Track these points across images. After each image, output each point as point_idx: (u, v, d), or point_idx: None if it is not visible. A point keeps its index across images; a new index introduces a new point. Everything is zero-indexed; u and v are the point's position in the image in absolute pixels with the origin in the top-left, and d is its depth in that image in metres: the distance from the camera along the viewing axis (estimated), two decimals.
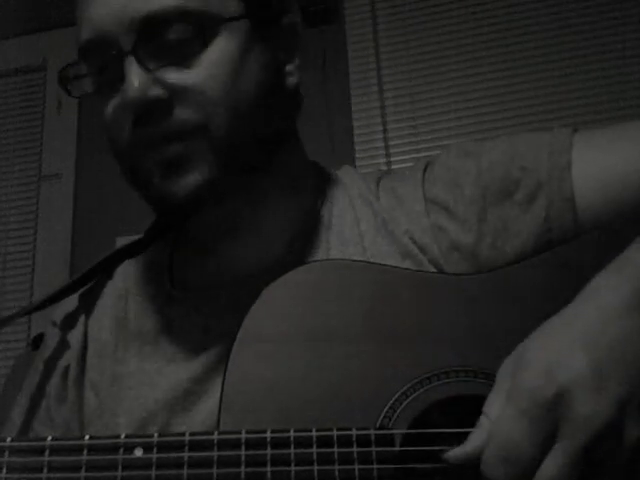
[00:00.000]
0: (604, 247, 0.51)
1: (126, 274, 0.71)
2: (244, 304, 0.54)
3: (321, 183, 0.68)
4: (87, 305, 0.70)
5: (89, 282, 0.72)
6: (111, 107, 0.58)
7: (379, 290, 0.53)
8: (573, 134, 0.61)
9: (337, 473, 0.45)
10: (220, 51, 0.57)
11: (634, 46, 1.81)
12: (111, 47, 0.56)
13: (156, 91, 0.55)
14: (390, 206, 0.64)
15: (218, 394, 0.53)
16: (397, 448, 0.47)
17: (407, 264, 0.59)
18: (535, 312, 0.48)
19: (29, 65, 2.18)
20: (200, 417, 0.58)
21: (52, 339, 0.69)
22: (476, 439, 0.45)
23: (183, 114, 0.56)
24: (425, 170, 0.66)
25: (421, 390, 0.50)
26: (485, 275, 0.55)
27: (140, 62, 0.55)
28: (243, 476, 0.45)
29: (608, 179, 0.57)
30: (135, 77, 0.55)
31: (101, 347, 0.66)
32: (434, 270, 0.59)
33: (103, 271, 0.72)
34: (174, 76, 0.56)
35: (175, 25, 0.56)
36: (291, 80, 0.63)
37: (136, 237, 0.75)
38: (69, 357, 0.67)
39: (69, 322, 0.69)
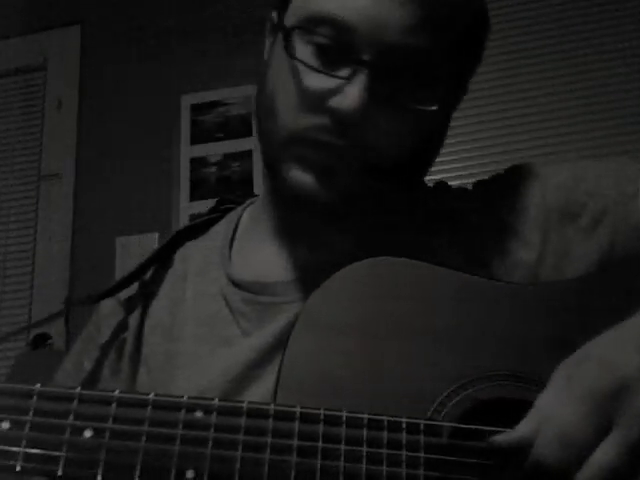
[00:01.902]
0: None
1: (186, 256, 0.72)
2: (305, 294, 0.56)
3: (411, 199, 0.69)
4: (148, 290, 0.71)
5: (148, 270, 0.72)
6: (317, 95, 0.57)
7: (437, 291, 0.55)
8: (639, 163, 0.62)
9: (385, 456, 0.47)
10: (432, 119, 0.59)
11: (634, 46, 1.81)
12: (348, 43, 0.55)
13: (369, 117, 0.55)
14: (455, 221, 0.65)
15: (270, 381, 0.54)
16: (445, 440, 0.48)
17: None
18: (584, 325, 0.49)
19: (29, 65, 2.18)
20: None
21: (114, 317, 0.70)
22: (525, 426, 0.46)
23: (373, 145, 0.57)
24: (488, 188, 0.67)
25: (469, 390, 0.51)
26: (539, 286, 0.57)
27: (370, 79, 0.54)
28: (295, 447, 0.47)
29: None
30: (359, 94, 0.54)
31: (157, 325, 0.67)
32: None
33: (163, 257, 0.73)
34: (387, 110, 0.56)
35: (419, 72, 0.56)
36: (445, 127, 0.67)
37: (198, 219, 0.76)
38: (127, 334, 0.68)
39: (130, 306, 0.70)
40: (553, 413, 0.45)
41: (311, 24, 0.57)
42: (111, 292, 0.70)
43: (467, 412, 0.50)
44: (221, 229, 0.73)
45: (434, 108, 0.57)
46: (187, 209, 1.92)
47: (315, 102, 0.57)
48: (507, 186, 0.65)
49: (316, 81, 0.57)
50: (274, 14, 0.64)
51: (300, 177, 0.58)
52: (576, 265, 0.59)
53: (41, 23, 2.18)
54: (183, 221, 1.90)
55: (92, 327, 0.72)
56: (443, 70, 0.58)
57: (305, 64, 0.57)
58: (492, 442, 0.47)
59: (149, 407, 0.48)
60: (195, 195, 1.94)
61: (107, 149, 2.06)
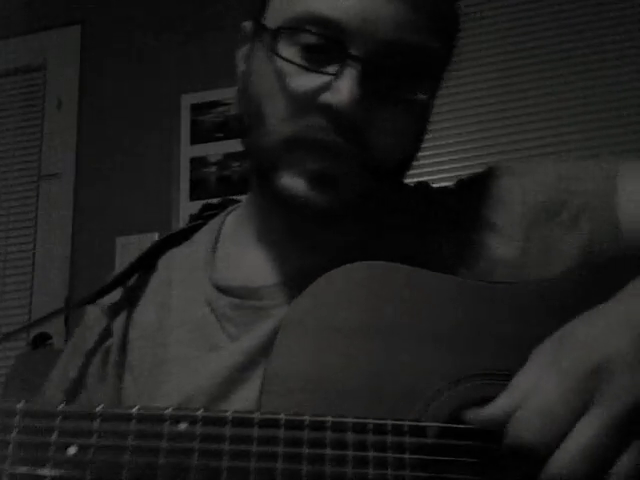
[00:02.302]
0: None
1: (169, 262, 0.72)
2: (292, 298, 0.56)
3: (398, 201, 0.70)
4: (132, 296, 0.71)
5: (132, 276, 0.73)
6: (306, 94, 0.56)
7: (423, 292, 0.55)
8: (619, 162, 0.63)
9: (371, 459, 0.47)
10: (423, 113, 0.61)
11: (635, 45, 1.81)
12: (337, 39, 0.55)
13: (362, 112, 0.54)
14: (437, 219, 0.65)
15: (257, 384, 0.54)
16: (430, 440, 0.48)
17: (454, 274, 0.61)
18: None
19: (29, 65, 2.19)
20: (238, 405, 0.58)
21: (97, 325, 0.70)
22: (500, 404, 0.46)
23: (371, 143, 0.56)
24: (469, 186, 0.67)
25: (455, 390, 0.51)
26: (527, 285, 0.57)
27: (361, 74, 0.54)
28: (281, 454, 0.47)
29: None
30: (351, 91, 0.53)
31: (143, 331, 0.67)
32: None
33: (146, 264, 0.73)
34: (384, 108, 0.56)
35: (421, 70, 0.57)
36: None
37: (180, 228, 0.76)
38: (111, 341, 0.68)
39: (114, 312, 0.70)
40: (535, 388, 0.45)
41: (297, 24, 0.56)
42: (93, 299, 0.70)
43: (457, 411, 0.50)
44: (204, 235, 0.72)
45: (427, 100, 0.59)
46: (187, 209, 1.92)
47: (305, 102, 0.56)
48: (488, 184, 0.66)
49: (304, 80, 0.56)
50: (248, 23, 0.64)
51: (295, 184, 0.57)
52: (558, 261, 0.60)
53: (41, 23, 2.18)
54: (183, 221, 1.90)
55: (77, 336, 0.72)
56: (435, 63, 0.59)
57: (292, 62, 0.56)
58: (466, 419, 0.47)
59: (133, 420, 0.47)
60: (195, 195, 1.94)
61: (107, 149, 2.06)
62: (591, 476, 0.42)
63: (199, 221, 0.76)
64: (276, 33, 0.57)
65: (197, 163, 1.97)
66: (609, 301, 0.48)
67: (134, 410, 0.48)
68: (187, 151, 1.99)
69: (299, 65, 0.56)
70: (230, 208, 0.75)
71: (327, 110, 0.55)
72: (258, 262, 0.66)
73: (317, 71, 0.55)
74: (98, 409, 0.48)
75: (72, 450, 0.46)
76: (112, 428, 0.47)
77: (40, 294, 1.97)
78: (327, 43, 0.55)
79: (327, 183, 0.57)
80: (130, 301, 0.70)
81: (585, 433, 0.42)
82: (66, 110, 2.11)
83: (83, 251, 1.98)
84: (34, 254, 2.02)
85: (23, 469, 0.46)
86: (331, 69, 0.55)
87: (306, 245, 0.64)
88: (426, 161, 1.84)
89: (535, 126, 1.82)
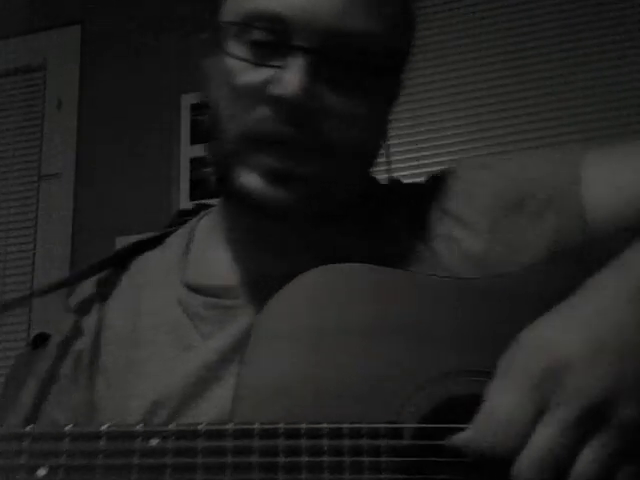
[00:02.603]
0: (609, 252, 0.51)
1: (142, 265, 0.72)
2: (261, 300, 0.55)
3: (368, 199, 0.70)
4: (103, 293, 0.71)
5: (103, 271, 0.73)
6: (253, 88, 0.57)
7: (392, 292, 0.55)
8: (584, 151, 0.63)
9: (347, 464, 0.47)
10: (378, 104, 0.61)
11: (635, 45, 1.81)
12: (283, 33, 0.56)
13: (311, 101, 0.55)
14: (406, 214, 0.66)
15: (231, 382, 0.54)
16: (405, 442, 0.48)
17: (423, 269, 0.60)
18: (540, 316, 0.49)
19: (29, 65, 2.18)
20: (212, 403, 0.58)
21: (66, 323, 0.70)
22: (473, 426, 0.46)
23: (325, 134, 0.57)
24: (438, 181, 0.67)
25: (431, 389, 0.51)
26: (495, 279, 0.56)
27: (308, 64, 0.55)
28: (256, 465, 0.46)
29: (617, 195, 0.59)
30: (298, 79, 0.54)
31: (116, 333, 0.67)
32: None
33: (119, 262, 0.73)
34: (335, 96, 0.56)
35: (368, 58, 0.57)
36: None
37: (149, 234, 0.76)
38: (83, 342, 0.68)
39: (84, 308, 0.70)
40: (492, 403, 0.45)
41: (245, 22, 0.57)
42: (58, 286, 0.70)
43: (431, 411, 0.50)
44: (177, 239, 0.73)
45: (384, 88, 0.59)
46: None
47: (254, 96, 0.57)
48: (457, 179, 0.66)
49: (252, 76, 0.57)
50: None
51: (251, 181, 0.57)
52: (524, 253, 0.60)
53: (41, 23, 2.18)
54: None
55: (53, 340, 0.71)
56: (383, 50, 0.58)
57: (239, 58, 0.57)
58: (447, 444, 0.46)
59: (103, 439, 0.47)
60: (195, 195, 1.94)
61: (107, 149, 2.06)
62: (553, 478, 0.42)
63: (173, 227, 0.76)
64: (225, 32, 0.59)
65: (197, 163, 1.97)
66: (567, 299, 0.48)
67: (103, 428, 0.47)
68: (187, 151, 1.99)
69: (246, 60, 0.57)
70: (203, 213, 0.75)
71: (274, 101, 0.55)
72: (227, 262, 0.66)
73: (265, 65, 0.56)
74: (67, 429, 0.47)
75: (42, 472, 0.46)
76: (82, 447, 0.46)
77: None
78: (274, 38, 0.56)
79: (281, 178, 0.57)
80: (101, 299, 0.70)
81: (543, 437, 0.43)
82: (66, 110, 2.11)
83: (83, 251, 1.98)
84: (34, 254, 2.02)
85: None
86: (278, 62, 0.56)
87: (270, 245, 0.65)
88: (426, 161, 1.85)
89: (535, 126, 1.81)
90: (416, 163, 1.83)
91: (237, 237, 0.67)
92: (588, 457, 0.42)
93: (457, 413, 0.49)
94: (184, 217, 0.78)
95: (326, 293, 0.54)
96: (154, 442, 0.47)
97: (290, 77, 0.54)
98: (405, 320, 0.53)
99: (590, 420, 0.43)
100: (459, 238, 0.62)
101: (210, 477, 0.46)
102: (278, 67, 0.55)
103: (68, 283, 0.71)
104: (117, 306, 0.69)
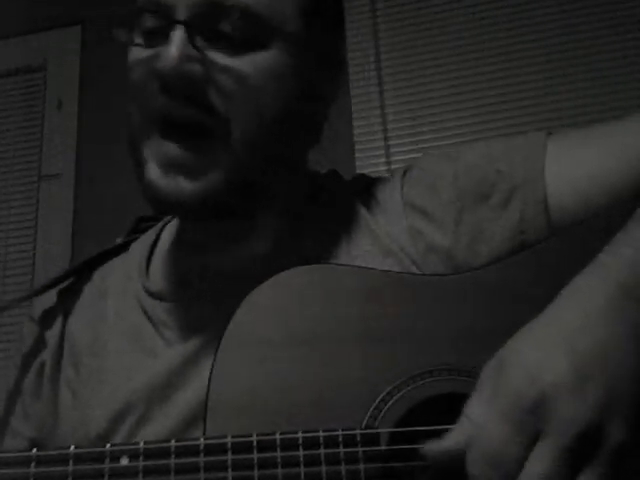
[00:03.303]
0: (581, 244, 0.51)
1: (105, 274, 0.72)
2: (225, 300, 0.55)
3: (311, 190, 0.69)
4: (66, 304, 0.71)
5: (67, 280, 0.73)
6: (139, 64, 0.59)
7: (363, 293, 0.54)
8: (547, 137, 0.62)
9: (324, 474, 0.46)
10: (266, 59, 0.57)
11: (635, 46, 1.81)
12: (167, 15, 0.56)
13: (194, 68, 0.55)
14: (371, 209, 0.65)
15: (197, 385, 0.53)
16: (383, 447, 0.47)
17: (389, 262, 0.60)
18: (515, 311, 0.48)
19: (29, 65, 2.18)
20: (178, 409, 0.58)
21: (30, 335, 0.70)
22: (455, 437, 0.45)
23: (212, 100, 0.56)
24: (404, 174, 0.67)
25: (406, 390, 0.50)
26: (465, 275, 0.56)
27: (188, 35, 0.55)
28: (230, 479, 0.45)
29: (579, 181, 0.58)
30: (177, 47, 0.55)
31: (78, 344, 0.67)
32: (415, 270, 0.60)
33: (82, 272, 0.73)
34: (218, 59, 0.56)
35: (236, 19, 0.56)
36: (320, 115, 0.65)
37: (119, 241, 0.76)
38: (45, 354, 0.68)
39: (47, 320, 0.70)
40: (479, 429, 0.44)
41: (137, 12, 0.59)
42: (24, 299, 0.70)
43: (406, 412, 0.49)
44: (139, 245, 0.73)
45: (276, 58, 0.57)
46: None
47: (143, 76, 0.58)
48: (421, 170, 0.66)
49: (143, 56, 0.59)
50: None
51: (152, 173, 0.58)
52: (489, 244, 0.59)
53: (41, 23, 2.17)
54: None
55: (15, 348, 0.72)
56: (267, 19, 0.57)
57: (129, 44, 0.59)
58: (422, 452, 0.46)
59: (70, 461, 0.45)
60: None
61: (107, 149, 2.05)
62: None
63: (137, 235, 0.76)
64: (119, 23, 0.60)
65: None
66: (544, 314, 0.47)
67: (71, 450, 0.46)
68: None
69: (135, 44, 0.59)
70: (167, 218, 0.75)
71: (157, 76, 0.56)
72: (186, 266, 0.66)
73: (151, 46, 0.58)
74: (32, 453, 0.46)
75: None
76: (49, 472, 0.45)
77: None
78: (160, 22, 0.57)
79: (177, 167, 0.56)
80: (64, 309, 0.70)
81: (536, 468, 0.42)
82: (66, 110, 2.11)
83: (83, 251, 1.98)
84: (34, 254, 2.02)
85: None
86: (162, 40, 0.56)
87: (225, 246, 0.64)
88: None
89: (535, 126, 1.81)
90: (415, 147, 1.83)
91: (190, 241, 0.67)
92: None
93: (434, 412, 0.49)
94: (145, 223, 0.78)
95: (296, 297, 0.53)
96: (124, 462, 0.45)
97: (169, 48, 0.55)
98: (378, 321, 0.52)
99: (582, 447, 0.42)
100: (424, 231, 0.62)
101: None
102: (163, 44, 0.56)
103: (33, 295, 0.71)
104: (79, 316, 0.69)
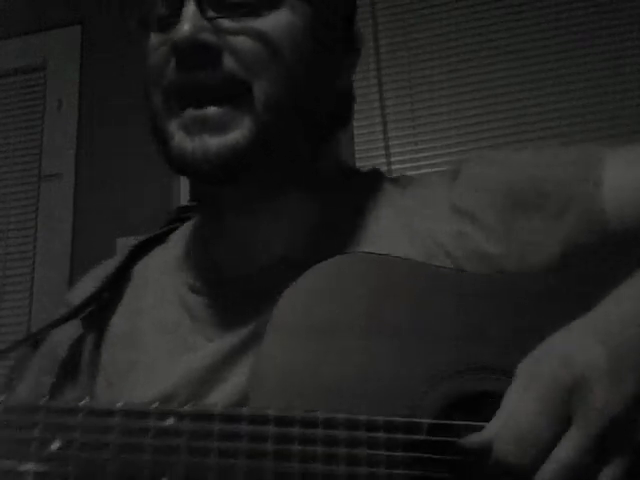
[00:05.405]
0: (627, 260, 0.52)
1: (145, 266, 0.72)
2: (264, 296, 0.55)
3: (347, 183, 0.69)
4: (107, 306, 0.70)
5: (108, 288, 0.72)
6: (156, 48, 0.59)
7: (410, 285, 0.54)
8: (603, 150, 0.61)
9: (364, 456, 0.46)
10: (279, 19, 0.57)
11: (634, 46, 1.81)
12: None
13: (207, 37, 0.56)
14: (414, 209, 0.64)
15: (234, 383, 0.54)
16: (423, 437, 0.47)
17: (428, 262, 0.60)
18: (558, 317, 0.49)
19: (29, 65, 2.18)
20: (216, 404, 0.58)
21: (70, 323, 0.69)
22: (492, 426, 0.46)
23: (231, 66, 0.56)
24: (452, 177, 0.66)
25: (444, 386, 0.50)
26: (509, 277, 0.56)
27: (199, 7, 0.56)
28: (271, 452, 0.46)
29: (637, 195, 0.58)
30: (189, 20, 0.55)
31: (116, 336, 0.67)
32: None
33: (123, 271, 0.72)
34: (231, 26, 0.56)
35: None
36: (343, 81, 0.66)
37: (142, 236, 0.76)
38: (86, 342, 0.68)
39: (85, 307, 0.70)
40: (512, 413, 0.45)
41: (152, 1, 0.60)
42: (70, 317, 0.69)
43: (448, 406, 0.50)
44: (179, 237, 0.72)
45: (291, 17, 0.58)
46: None
47: (160, 57, 0.59)
48: (471, 175, 0.65)
49: (159, 41, 0.59)
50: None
51: (178, 139, 0.58)
52: (542, 254, 0.59)
53: (41, 23, 2.17)
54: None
55: (50, 344, 0.71)
56: None
57: (146, 30, 0.60)
58: (459, 444, 0.46)
59: (117, 416, 0.46)
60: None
61: (107, 149, 2.06)
62: None
63: (176, 224, 0.75)
64: (134, 13, 0.61)
65: None
66: (585, 316, 0.48)
67: (118, 405, 0.47)
68: None
69: (154, 30, 0.60)
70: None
71: (174, 48, 0.56)
72: (226, 257, 0.66)
73: (167, 31, 0.58)
74: (82, 403, 0.47)
75: (55, 445, 0.45)
76: (96, 423, 0.46)
77: (40, 294, 1.96)
78: (172, 4, 0.58)
79: (197, 126, 0.57)
80: (105, 311, 0.70)
81: (564, 454, 0.43)
82: (66, 110, 2.11)
83: (83, 251, 1.98)
84: (34, 254, 2.02)
85: (4, 465, 0.45)
86: (176, 22, 0.57)
87: (234, 239, 0.65)
88: (426, 162, 1.84)
89: (536, 126, 1.81)
90: (416, 164, 1.83)
91: (226, 232, 0.67)
92: (608, 475, 0.43)
93: (469, 411, 0.49)
94: (184, 213, 0.77)
95: (342, 284, 0.54)
96: (169, 422, 0.46)
97: (182, 22, 0.56)
98: (421, 315, 0.53)
99: (611, 438, 0.43)
100: (472, 236, 0.61)
101: (223, 461, 0.45)
102: (178, 21, 0.57)
103: (79, 312, 0.70)
104: (119, 309, 0.69)
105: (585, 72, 1.81)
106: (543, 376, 0.45)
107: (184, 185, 1.96)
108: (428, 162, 1.84)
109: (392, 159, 1.87)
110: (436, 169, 1.81)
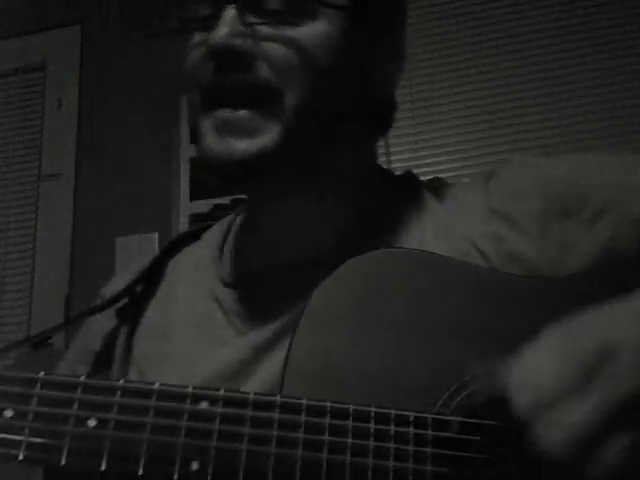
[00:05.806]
0: None
1: (179, 261, 0.73)
2: (296, 290, 0.56)
3: (383, 186, 0.69)
4: (140, 300, 0.71)
5: (141, 282, 0.73)
6: (196, 47, 0.60)
7: (446, 282, 0.54)
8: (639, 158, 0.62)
9: (392, 451, 0.47)
10: (316, 30, 0.58)
11: (635, 45, 1.81)
12: None
13: (242, 43, 0.57)
14: (451, 212, 0.65)
15: (263, 376, 0.55)
16: (453, 434, 0.47)
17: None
18: None
19: (29, 65, 2.18)
20: None
21: (109, 324, 0.71)
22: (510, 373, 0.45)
23: (264, 72, 0.57)
24: (489, 179, 0.66)
25: (473, 387, 0.50)
26: (548, 281, 0.56)
27: (238, 13, 0.56)
28: (301, 440, 0.46)
29: None
30: (227, 25, 0.56)
31: (149, 328, 0.68)
32: None
33: (158, 266, 0.74)
34: (267, 33, 0.57)
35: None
36: (385, 89, 0.67)
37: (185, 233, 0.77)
38: (120, 333, 0.69)
39: (119, 300, 0.71)
40: (531, 365, 0.44)
41: (195, 1, 0.60)
42: (104, 308, 0.70)
43: (477, 406, 0.49)
44: (213, 234, 0.74)
45: (327, 28, 0.58)
46: (187, 209, 1.92)
47: (199, 57, 0.59)
48: (507, 178, 0.65)
49: (198, 41, 0.60)
50: None
51: (208, 139, 0.58)
52: (577, 259, 0.59)
53: (41, 23, 2.18)
54: (183, 221, 1.90)
55: (85, 336, 0.72)
56: None
57: (187, 29, 0.61)
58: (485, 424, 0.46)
59: (154, 397, 0.47)
60: (195, 195, 1.94)
61: (107, 149, 2.06)
62: (576, 455, 0.41)
63: (210, 222, 0.77)
64: (170, 14, 0.61)
65: (197, 163, 1.97)
66: (625, 296, 0.47)
67: (155, 386, 0.47)
68: (187, 151, 1.99)
69: (195, 27, 0.60)
70: (240, 208, 0.76)
71: (210, 50, 0.57)
72: (261, 255, 0.67)
73: (208, 28, 0.58)
74: (119, 383, 0.47)
75: (91, 423, 0.46)
76: (132, 403, 0.47)
77: (40, 294, 1.97)
78: (213, 5, 0.58)
79: (229, 127, 0.57)
80: (139, 306, 0.71)
81: (576, 410, 0.42)
82: (66, 110, 2.11)
83: (83, 251, 1.98)
84: (34, 254, 2.02)
85: (41, 440, 0.45)
86: (215, 22, 0.58)
87: (266, 235, 0.66)
88: (426, 161, 1.84)
89: (536, 126, 1.82)
90: (416, 163, 1.83)
91: (263, 228, 0.68)
92: (617, 447, 0.41)
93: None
94: (220, 211, 0.78)
95: (379, 279, 0.54)
96: (203, 405, 0.47)
97: (220, 26, 0.56)
98: (458, 313, 0.53)
99: (634, 406, 0.42)
100: (508, 239, 0.61)
101: (255, 447, 0.46)
102: (217, 22, 0.58)
103: (112, 303, 0.71)
104: (152, 301, 0.70)
105: (585, 72, 1.82)
106: (572, 337, 0.44)
107: (184, 185, 1.96)
108: (428, 162, 1.84)
109: (392, 159, 1.87)
110: (436, 169, 1.81)
